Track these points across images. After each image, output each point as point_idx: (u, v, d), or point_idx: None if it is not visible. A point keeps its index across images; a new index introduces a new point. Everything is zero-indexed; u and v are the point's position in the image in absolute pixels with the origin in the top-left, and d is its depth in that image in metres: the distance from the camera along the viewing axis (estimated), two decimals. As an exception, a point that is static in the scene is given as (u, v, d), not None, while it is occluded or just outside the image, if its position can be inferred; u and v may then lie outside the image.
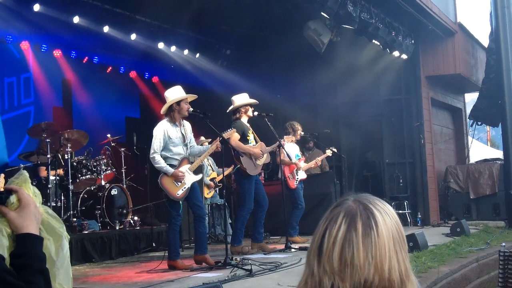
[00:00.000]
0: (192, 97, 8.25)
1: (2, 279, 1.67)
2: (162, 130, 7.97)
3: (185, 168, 8.01)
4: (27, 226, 1.88)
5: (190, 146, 8.27)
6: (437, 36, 14.77)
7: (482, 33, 29.78)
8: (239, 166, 9.38)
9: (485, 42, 15.81)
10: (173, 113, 8.04)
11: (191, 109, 8.07)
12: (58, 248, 2.05)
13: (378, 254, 1.55)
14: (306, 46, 12.69)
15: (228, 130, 8.68)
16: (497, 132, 25.63)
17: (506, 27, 13.34)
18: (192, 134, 8.46)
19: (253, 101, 9.69)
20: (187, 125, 8.29)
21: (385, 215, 1.61)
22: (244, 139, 9.39)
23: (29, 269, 1.79)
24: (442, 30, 14.70)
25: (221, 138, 8.27)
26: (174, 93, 8.13)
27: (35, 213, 1.94)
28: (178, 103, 8.05)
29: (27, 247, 1.85)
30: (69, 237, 2.12)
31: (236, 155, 9.12)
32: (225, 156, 8.61)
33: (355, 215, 1.60)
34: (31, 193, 2.02)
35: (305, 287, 1.62)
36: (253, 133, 9.71)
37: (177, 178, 7.90)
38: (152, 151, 7.93)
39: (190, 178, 8.03)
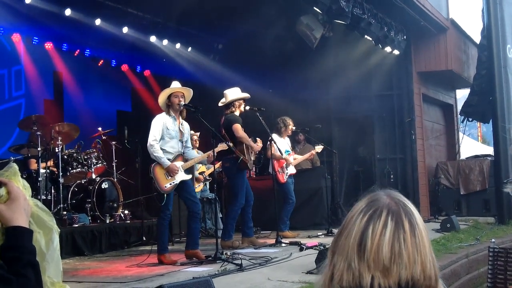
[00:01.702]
0: (184, 90, 8.24)
1: None
2: (161, 120, 8.09)
3: (178, 165, 8.05)
4: (16, 219, 1.87)
5: (186, 147, 8.32)
6: (429, 32, 14.79)
7: (474, 29, 29.94)
8: (242, 158, 9.33)
9: (477, 38, 15.85)
10: (169, 108, 8.12)
11: (182, 103, 8.10)
12: (48, 241, 2.05)
13: (423, 252, 1.60)
14: (299, 41, 12.68)
15: (224, 143, 8.81)
16: (488, 128, 25.72)
17: (498, 23, 13.36)
18: (190, 136, 8.54)
19: (245, 95, 9.69)
20: (186, 125, 8.35)
21: (418, 214, 1.67)
22: None
23: (19, 262, 1.78)
24: (434, 26, 14.71)
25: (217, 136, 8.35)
26: (169, 87, 8.24)
27: (25, 206, 1.93)
28: (169, 97, 8.11)
29: (17, 240, 1.84)
30: (59, 230, 2.12)
31: (242, 146, 9.18)
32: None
33: (399, 213, 1.63)
34: (20, 186, 2.01)
35: (339, 281, 1.61)
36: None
37: (171, 172, 7.94)
38: (152, 138, 7.97)
39: (180, 175, 8.07)
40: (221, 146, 8.80)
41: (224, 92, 9.70)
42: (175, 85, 8.29)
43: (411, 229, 1.60)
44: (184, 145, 8.30)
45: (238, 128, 9.24)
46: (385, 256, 1.57)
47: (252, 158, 9.63)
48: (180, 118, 8.25)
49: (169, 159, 8.01)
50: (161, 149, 8.03)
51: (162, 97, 8.20)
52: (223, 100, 9.66)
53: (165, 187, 7.96)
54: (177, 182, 8.04)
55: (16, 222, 1.86)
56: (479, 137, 30.78)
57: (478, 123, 22.27)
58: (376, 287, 1.56)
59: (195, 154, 8.68)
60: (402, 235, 1.59)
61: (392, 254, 1.57)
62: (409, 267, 1.57)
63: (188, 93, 8.29)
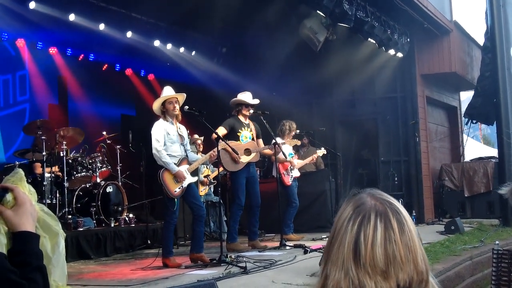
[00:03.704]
0: (178, 95, 8.23)
1: (6, 277, 1.69)
2: (161, 126, 8.06)
3: (184, 168, 8.07)
4: (23, 224, 1.90)
5: (187, 150, 8.32)
6: (432, 34, 14.80)
7: (477, 31, 29.71)
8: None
9: (481, 40, 15.84)
10: (165, 114, 8.13)
11: (186, 107, 8.12)
12: (54, 245, 2.07)
13: (413, 249, 1.59)
14: (302, 44, 12.70)
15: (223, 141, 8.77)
16: (492, 130, 25.64)
17: (501, 25, 13.36)
18: (194, 141, 8.54)
19: (248, 101, 9.66)
20: (183, 129, 8.35)
21: (404, 209, 1.66)
22: (234, 134, 9.42)
23: (28, 266, 1.81)
24: (438, 28, 14.72)
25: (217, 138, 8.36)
26: (161, 95, 8.23)
27: (31, 211, 1.96)
28: (163, 104, 8.11)
29: (25, 244, 1.86)
30: (65, 234, 2.14)
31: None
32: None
33: (387, 213, 1.62)
34: (26, 191, 2.04)
35: None
36: (251, 131, 9.71)
37: (179, 178, 7.96)
38: (157, 145, 7.96)
39: (187, 179, 8.09)
40: (222, 145, 8.76)
41: (238, 94, 9.76)
42: (168, 91, 8.25)
43: (400, 228, 1.60)
44: (185, 148, 8.31)
45: (218, 129, 9.22)
46: (380, 259, 1.56)
47: (242, 161, 9.53)
48: (177, 122, 8.26)
49: (174, 164, 8.02)
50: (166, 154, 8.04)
51: (156, 105, 8.18)
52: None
53: (175, 191, 7.98)
54: (185, 185, 8.07)
55: (23, 227, 1.89)
56: (481, 139, 30.72)
57: (480, 124, 22.18)
58: None
59: (196, 156, 8.68)
60: (393, 236, 1.58)
61: (387, 256, 1.56)
62: (404, 267, 1.57)
63: (182, 97, 8.28)
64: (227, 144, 8.97)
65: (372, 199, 1.66)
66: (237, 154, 9.28)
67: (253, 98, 9.81)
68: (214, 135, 8.58)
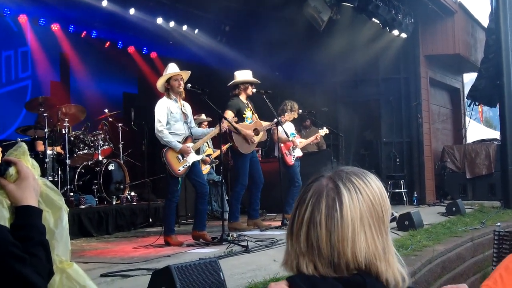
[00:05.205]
0: (183, 73, 8.21)
1: (8, 251, 1.68)
2: (164, 105, 8.03)
3: (189, 145, 8.06)
4: (26, 198, 1.89)
5: (191, 127, 8.30)
6: (437, 15, 14.71)
7: (482, 13, 29.65)
8: (231, 144, 9.38)
9: (485, 22, 15.79)
10: (168, 91, 8.09)
11: (189, 85, 8.10)
12: (57, 220, 2.06)
13: (340, 237, 1.49)
14: (306, 24, 12.62)
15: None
16: (494, 112, 25.58)
17: (506, 7, 13.29)
18: (192, 115, 8.50)
19: (254, 80, 9.66)
20: (187, 106, 8.33)
21: (356, 193, 1.53)
22: (239, 116, 9.39)
23: (30, 241, 1.80)
24: (442, 9, 14.63)
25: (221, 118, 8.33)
26: (165, 71, 8.19)
27: (34, 185, 1.95)
28: (168, 81, 8.07)
29: (27, 219, 1.85)
30: (68, 209, 2.13)
31: (229, 133, 9.14)
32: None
33: (321, 195, 1.54)
34: (29, 165, 2.03)
35: (285, 266, 1.59)
36: (251, 110, 9.69)
37: (184, 153, 7.94)
38: (159, 124, 7.96)
39: (192, 156, 8.08)
40: (227, 123, 8.70)
41: (234, 73, 9.69)
42: (173, 68, 8.22)
43: (327, 211, 1.51)
44: (189, 126, 8.28)
45: (227, 113, 9.20)
46: (302, 240, 1.52)
47: (256, 141, 9.56)
48: (181, 99, 8.24)
49: (178, 142, 8.00)
50: (170, 133, 8.03)
51: (160, 82, 8.16)
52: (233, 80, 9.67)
53: (179, 170, 7.98)
54: (190, 164, 8.06)
55: (26, 201, 1.88)
56: (481, 121, 30.64)
57: (480, 106, 22.06)
58: (312, 272, 1.51)
59: (201, 130, 8.64)
60: (317, 218, 1.51)
61: (309, 238, 1.51)
62: (326, 252, 1.49)
63: (186, 75, 8.26)
64: (237, 127, 9.04)
65: (327, 178, 1.59)
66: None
67: (255, 76, 9.78)
68: (226, 125, 8.55)
